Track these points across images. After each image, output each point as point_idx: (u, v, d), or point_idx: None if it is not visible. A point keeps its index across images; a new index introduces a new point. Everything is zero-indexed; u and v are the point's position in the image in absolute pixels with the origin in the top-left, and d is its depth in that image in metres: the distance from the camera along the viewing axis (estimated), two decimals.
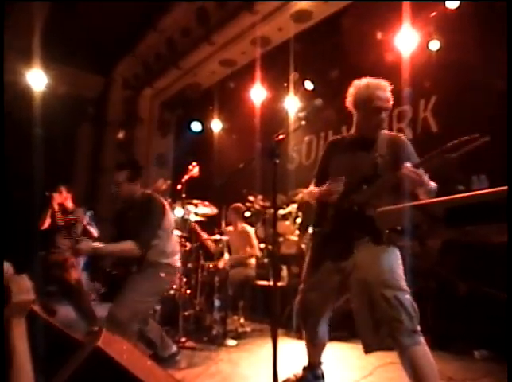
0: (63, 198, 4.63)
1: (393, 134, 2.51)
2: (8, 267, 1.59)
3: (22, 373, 1.47)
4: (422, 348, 2.08)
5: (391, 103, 2.35)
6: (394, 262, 2.23)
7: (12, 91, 6.95)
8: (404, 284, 2.16)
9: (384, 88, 2.33)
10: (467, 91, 4.33)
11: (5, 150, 7.39)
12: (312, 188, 2.63)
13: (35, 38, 6.57)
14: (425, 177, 2.13)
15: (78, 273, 4.47)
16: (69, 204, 4.71)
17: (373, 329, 2.12)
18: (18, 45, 6.86)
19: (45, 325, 1.60)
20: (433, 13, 4.67)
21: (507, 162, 1.90)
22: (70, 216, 4.56)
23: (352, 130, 2.53)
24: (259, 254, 5.26)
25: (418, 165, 2.12)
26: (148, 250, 3.03)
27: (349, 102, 2.43)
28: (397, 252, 2.28)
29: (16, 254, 1.83)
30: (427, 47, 4.77)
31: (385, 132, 2.46)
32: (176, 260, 3.29)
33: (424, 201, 1.83)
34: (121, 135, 8.63)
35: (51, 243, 4.53)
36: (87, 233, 4.54)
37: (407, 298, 2.11)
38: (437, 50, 4.73)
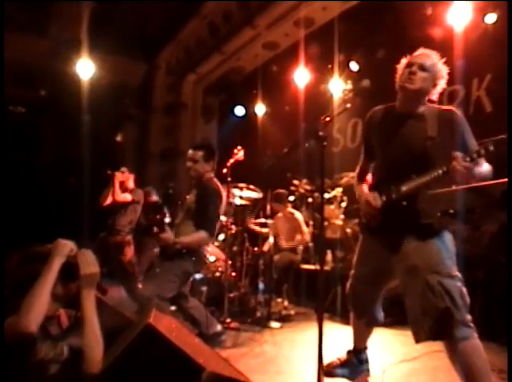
0: (124, 177, 4.79)
1: (445, 108, 2.26)
2: (71, 244, 1.69)
3: (93, 338, 1.59)
4: (472, 343, 1.94)
5: (431, 66, 2.17)
6: (445, 247, 2.09)
7: (62, 80, 7.23)
8: (454, 270, 2.04)
9: (428, 55, 2.21)
10: None
11: (56, 137, 7.75)
12: (357, 172, 2.56)
13: (82, 28, 6.77)
14: (477, 170, 1.97)
15: (132, 254, 4.64)
16: (130, 185, 4.87)
17: (420, 318, 2.01)
18: (67, 36, 7.11)
19: (98, 303, 1.68)
20: None
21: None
22: (128, 196, 4.70)
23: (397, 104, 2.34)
24: (309, 239, 5.25)
25: (472, 158, 1.91)
26: (212, 239, 3.27)
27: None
28: (450, 237, 2.15)
29: (76, 235, 1.94)
30: (482, 20, 4.48)
31: (434, 106, 2.27)
32: (207, 249, 3.42)
33: (478, 184, 1.74)
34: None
35: (111, 225, 4.73)
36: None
37: (456, 285, 1.99)
38: (494, 23, 4.43)
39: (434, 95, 2.27)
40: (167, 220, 3.20)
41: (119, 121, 8.75)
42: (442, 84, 2.25)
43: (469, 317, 1.98)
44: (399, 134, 2.25)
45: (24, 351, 1.48)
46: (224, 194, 3.44)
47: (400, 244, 2.16)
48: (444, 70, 2.23)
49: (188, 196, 3.47)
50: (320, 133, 2.01)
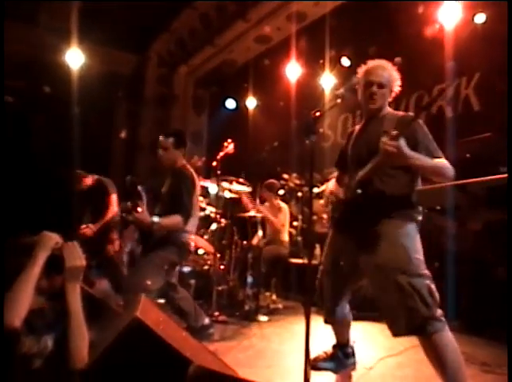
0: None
1: (403, 113, 2.38)
2: (57, 236, 1.68)
3: (78, 331, 1.59)
4: (443, 336, 2.01)
5: (388, 80, 2.29)
6: (411, 244, 2.13)
7: (51, 71, 7.13)
8: (422, 268, 2.08)
9: (383, 67, 2.32)
10: None
11: (46, 129, 7.66)
12: (334, 176, 2.71)
13: (72, 18, 6.67)
14: (413, 152, 2.00)
15: (117, 247, 4.63)
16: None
17: (393, 315, 2.08)
18: (56, 26, 6.99)
19: (84, 295, 1.68)
20: None
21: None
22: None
23: None
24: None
25: (397, 136, 1.96)
26: (187, 224, 3.21)
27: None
28: (414, 230, 2.19)
29: (59, 226, 1.92)
30: (472, 20, 4.52)
31: (394, 111, 2.38)
32: (190, 237, 3.36)
33: (464, 181, 1.76)
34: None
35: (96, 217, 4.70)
36: None
37: (424, 283, 2.04)
38: (483, 23, 4.48)
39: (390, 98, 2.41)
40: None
41: (110, 112, 8.67)
42: (397, 88, 2.38)
43: (440, 311, 2.04)
44: (362, 137, 2.41)
45: (7, 346, 1.46)
46: (197, 182, 3.42)
47: (366, 240, 2.20)
48: (396, 75, 2.35)
49: (162, 189, 3.43)
50: (313, 127, 2.03)
